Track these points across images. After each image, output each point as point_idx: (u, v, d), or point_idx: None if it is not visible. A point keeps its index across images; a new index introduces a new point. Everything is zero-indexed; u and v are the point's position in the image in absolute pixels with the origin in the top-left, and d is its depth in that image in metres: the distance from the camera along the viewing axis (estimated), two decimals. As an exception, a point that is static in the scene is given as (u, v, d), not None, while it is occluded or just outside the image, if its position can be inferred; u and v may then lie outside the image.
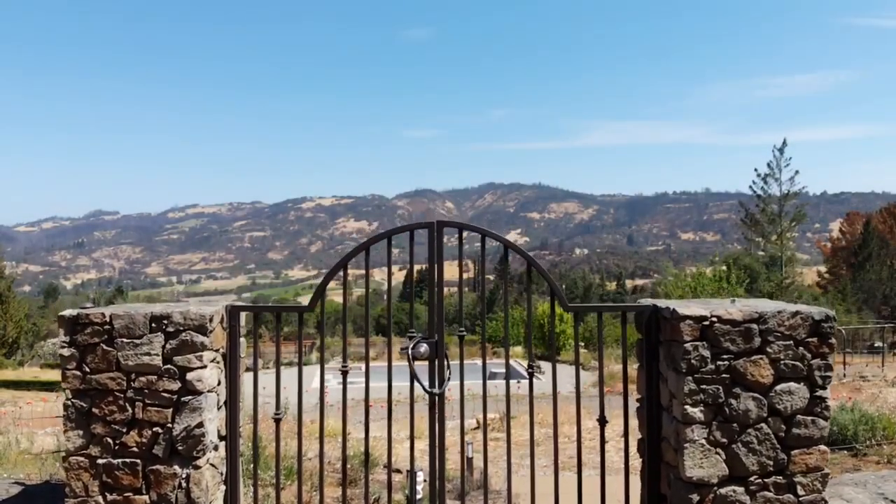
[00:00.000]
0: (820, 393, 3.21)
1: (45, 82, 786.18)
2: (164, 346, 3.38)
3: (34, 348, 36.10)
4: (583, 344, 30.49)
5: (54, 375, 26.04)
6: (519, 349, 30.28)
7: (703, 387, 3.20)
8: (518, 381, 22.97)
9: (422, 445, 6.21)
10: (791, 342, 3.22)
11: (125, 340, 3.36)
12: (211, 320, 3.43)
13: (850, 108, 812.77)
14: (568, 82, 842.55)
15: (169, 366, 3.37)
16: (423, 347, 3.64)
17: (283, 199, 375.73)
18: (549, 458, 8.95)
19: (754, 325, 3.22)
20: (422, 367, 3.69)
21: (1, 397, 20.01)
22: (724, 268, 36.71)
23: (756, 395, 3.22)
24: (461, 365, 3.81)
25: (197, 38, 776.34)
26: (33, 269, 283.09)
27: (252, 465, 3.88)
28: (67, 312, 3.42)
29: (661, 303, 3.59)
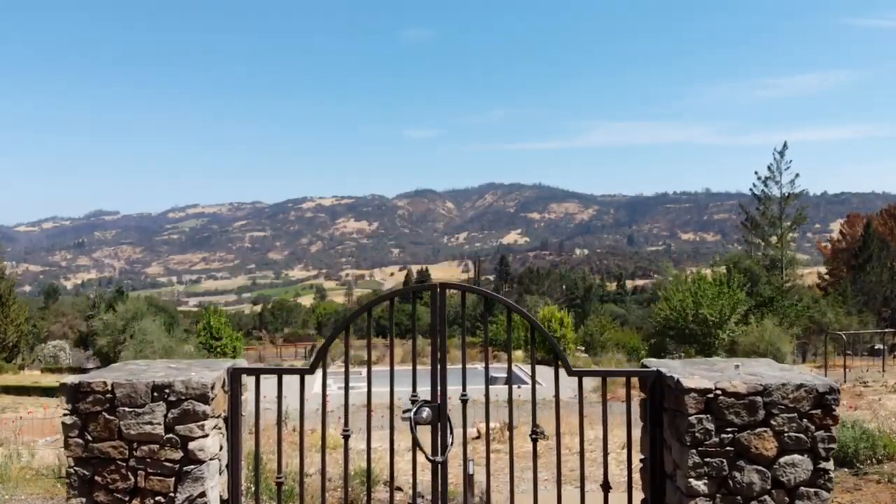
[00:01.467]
0: (823, 465, 3.19)
1: (46, 82, 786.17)
2: (165, 416, 3.37)
3: (34, 351, 36.08)
4: (583, 348, 30.46)
5: (54, 380, 26.04)
6: (519, 353, 30.21)
7: (708, 459, 3.19)
8: (519, 386, 22.96)
9: (423, 458, 6.19)
10: (795, 414, 3.21)
11: (127, 409, 3.36)
12: (212, 387, 3.42)
13: (851, 109, 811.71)
14: (568, 82, 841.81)
15: (171, 435, 3.36)
16: (426, 412, 3.62)
17: (284, 199, 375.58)
18: (550, 470, 8.91)
19: (758, 398, 3.21)
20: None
21: (1, 403, 20.03)
22: (724, 269, 36.66)
23: (760, 467, 3.20)
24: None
25: (197, 37, 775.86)
26: (33, 269, 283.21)
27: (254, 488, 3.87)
28: (69, 380, 3.41)
29: (666, 368, 3.56)
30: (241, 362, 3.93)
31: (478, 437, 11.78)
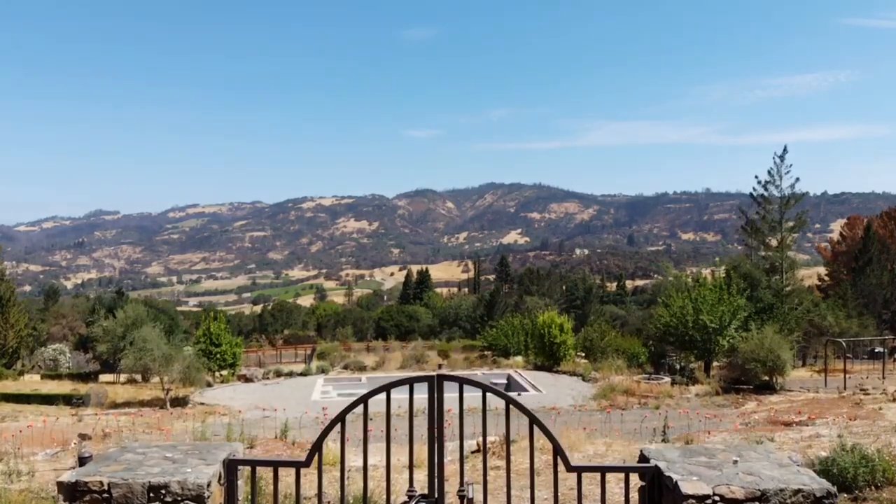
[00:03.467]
0: (820, 567, 3.20)
1: (46, 81, 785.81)
2: None
3: (34, 354, 36.02)
4: (583, 354, 30.37)
5: (54, 387, 26.03)
6: (519, 359, 30.14)
7: (705, 563, 3.16)
8: (519, 394, 22.87)
9: (420, 476, 6.11)
10: None
11: None
12: (209, 485, 3.42)
13: (851, 109, 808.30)
14: (568, 82, 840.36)
15: None
16: None
17: (284, 199, 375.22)
18: (549, 489, 8.82)
19: None
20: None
21: (1, 411, 19.97)
22: (723, 272, 36.57)
23: (757, 572, 3.19)
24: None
25: (197, 37, 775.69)
26: (34, 269, 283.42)
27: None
28: (66, 478, 3.44)
29: (664, 463, 3.54)
30: (237, 451, 3.89)
31: (477, 451, 11.64)
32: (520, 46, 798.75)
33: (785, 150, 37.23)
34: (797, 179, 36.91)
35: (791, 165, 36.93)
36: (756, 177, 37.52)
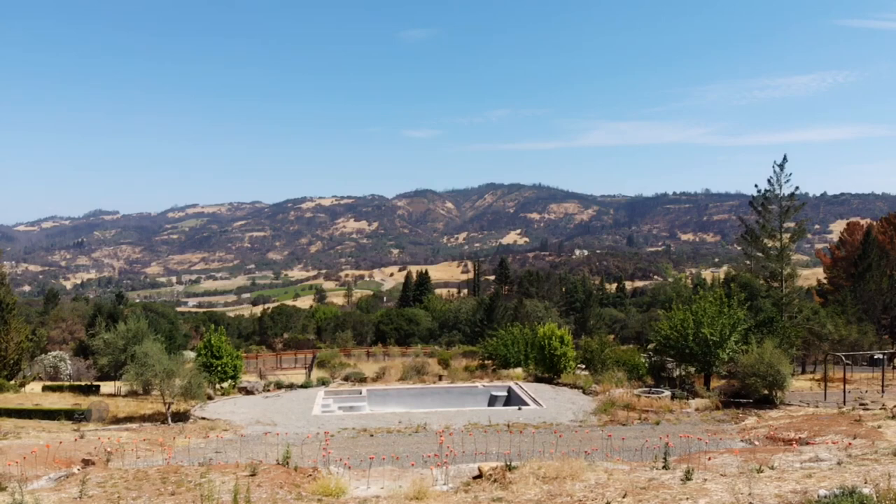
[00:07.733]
0: None
1: (46, 82, 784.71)
2: None
3: (35, 361, 35.97)
4: (583, 365, 30.31)
5: (56, 400, 25.97)
6: (520, 370, 30.04)
7: None
8: (519, 408, 22.83)
9: None
10: None
11: None
12: None
13: (850, 109, 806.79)
14: (568, 82, 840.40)
15: None
16: None
17: (283, 199, 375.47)
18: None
19: None
20: None
21: (3, 427, 19.92)
22: (722, 277, 36.65)
23: None
24: None
25: (197, 38, 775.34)
26: (33, 269, 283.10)
27: None
28: None
29: None
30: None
31: (479, 477, 11.53)
32: (519, 46, 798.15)
33: (784, 158, 37.15)
34: (797, 188, 36.83)
35: (791, 174, 36.90)
36: (756, 185, 37.52)
